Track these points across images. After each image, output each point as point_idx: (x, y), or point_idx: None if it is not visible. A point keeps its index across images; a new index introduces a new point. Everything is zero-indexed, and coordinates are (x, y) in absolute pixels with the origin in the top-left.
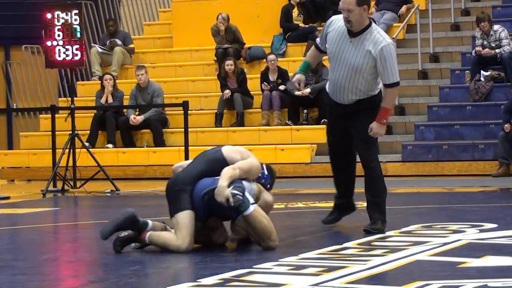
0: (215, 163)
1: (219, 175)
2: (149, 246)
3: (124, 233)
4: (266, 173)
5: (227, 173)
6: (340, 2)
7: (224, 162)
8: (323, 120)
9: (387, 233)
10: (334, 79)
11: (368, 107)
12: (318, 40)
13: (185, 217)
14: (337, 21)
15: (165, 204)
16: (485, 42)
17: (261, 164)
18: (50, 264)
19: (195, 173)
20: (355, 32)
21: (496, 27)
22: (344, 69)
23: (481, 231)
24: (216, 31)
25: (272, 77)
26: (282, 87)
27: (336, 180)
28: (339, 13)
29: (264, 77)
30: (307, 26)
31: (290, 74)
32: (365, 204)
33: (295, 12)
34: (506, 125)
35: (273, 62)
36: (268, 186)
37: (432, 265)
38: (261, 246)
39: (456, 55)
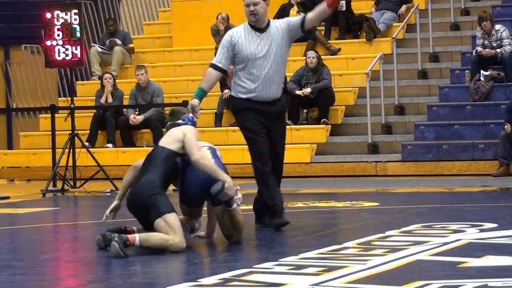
0: (170, 158)
1: (177, 168)
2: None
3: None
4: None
5: (214, 168)
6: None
7: (174, 153)
8: (323, 120)
9: (387, 233)
10: (264, 74)
11: (282, 112)
12: (218, 63)
13: (175, 219)
14: (236, 32)
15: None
16: (486, 42)
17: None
18: (49, 264)
19: (160, 176)
20: (261, 27)
21: (497, 26)
22: (271, 63)
23: (481, 230)
24: (216, 30)
25: None
26: None
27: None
28: (339, 12)
29: None
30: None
31: (288, 74)
32: (365, 204)
33: (293, 10)
34: (506, 126)
35: None
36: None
37: (432, 265)
38: (229, 239)
39: (456, 54)
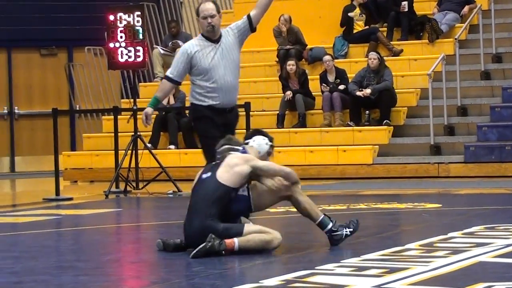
0: (225, 196)
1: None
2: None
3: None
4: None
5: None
6: (201, 11)
7: (231, 190)
8: (385, 121)
9: (449, 234)
10: (224, 83)
11: (236, 123)
12: (172, 75)
13: (251, 225)
14: (191, 46)
15: None
16: None
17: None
18: (112, 265)
19: (214, 217)
20: (216, 39)
21: None
22: (230, 69)
23: None
24: (278, 32)
25: (331, 78)
26: (341, 87)
27: None
28: (401, 13)
29: (323, 78)
30: (368, 27)
31: (350, 75)
32: (427, 205)
33: (356, 12)
34: None
35: (328, 63)
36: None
37: (495, 267)
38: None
39: None
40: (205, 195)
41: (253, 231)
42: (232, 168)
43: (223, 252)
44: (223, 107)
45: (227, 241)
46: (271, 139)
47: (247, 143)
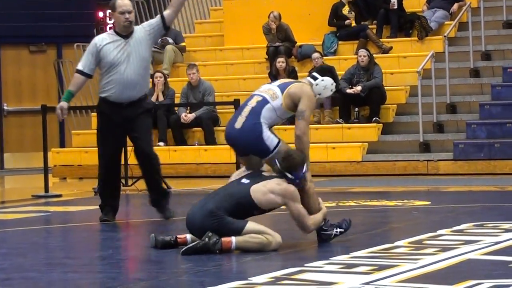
0: (249, 210)
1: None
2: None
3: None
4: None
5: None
6: (119, 6)
7: (256, 207)
8: (374, 119)
9: (439, 232)
10: (124, 78)
11: (145, 109)
12: (82, 67)
13: (254, 224)
14: (101, 39)
15: None
16: None
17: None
18: (101, 262)
19: (225, 212)
20: (126, 34)
21: None
22: (135, 66)
23: None
24: (267, 29)
25: None
26: None
27: (107, 191)
28: (390, 11)
29: None
30: (357, 24)
31: (340, 72)
32: (417, 203)
33: (345, 9)
34: None
35: (317, 60)
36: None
37: (484, 264)
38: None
39: (508, 53)
40: (232, 194)
41: (254, 230)
42: (268, 191)
43: (217, 251)
44: (119, 101)
45: (225, 240)
46: (338, 84)
47: (315, 78)
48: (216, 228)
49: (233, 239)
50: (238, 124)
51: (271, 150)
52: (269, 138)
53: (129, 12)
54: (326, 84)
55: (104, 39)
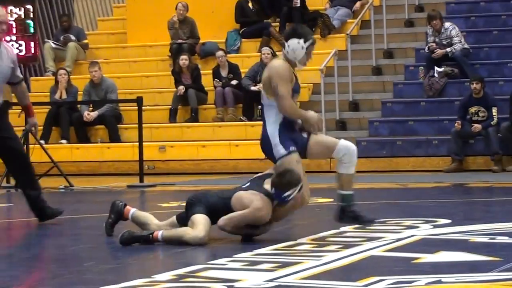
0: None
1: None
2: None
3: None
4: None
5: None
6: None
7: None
8: None
9: (341, 229)
10: None
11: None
12: None
13: (200, 216)
14: None
15: (120, 199)
16: (437, 40)
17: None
18: (3, 261)
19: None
20: None
21: (447, 24)
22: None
23: (435, 226)
24: (171, 23)
25: (224, 73)
26: (234, 82)
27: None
28: (293, 8)
29: (216, 73)
30: (261, 21)
31: (243, 70)
32: (319, 200)
33: (249, 6)
34: (456, 124)
35: (221, 58)
36: (286, 199)
37: (386, 261)
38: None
39: (410, 51)
40: (223, 192)
41: (192, 220)
42: (243, 198)
43: (151, 237)
44: None
45: (155, 231)
46: (307, 37)
47: (284, 47)
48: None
49: (160, 232)
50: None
51: (275, 160)
52: (276, 148)
53: (6, 23)
54: (293, 47)
55: None
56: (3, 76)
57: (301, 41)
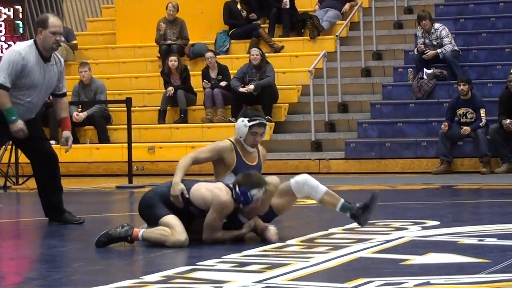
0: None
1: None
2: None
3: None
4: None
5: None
6: (53, 26)
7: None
8: (266, 117)
9: (330, 230)
10: (30, 102)
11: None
12: (5, 83)
13: (173, 218)
14: (28, 54)
15: (109, 200)
16: (427, 41)
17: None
18: None
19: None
20: (48, 56)
21: (436, 25)
22: (44, 92)
23: (424, 228)
24: (159, 27)
25: (213, 74)
26: (223, 83)
27: None
28: (282, 10)
29: (205, 74)
30: (250, 23)
31: (232, 71)
32: (309, 201)
33: (238, 7)
34: (443, 126)
35: (210, 59)
36: (250, 199)
37: (375, 262)
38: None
39: (399, 53)
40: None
41: (168, 223)
42: (203, 187)
43: (129, 237)
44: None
45: (135, 230)
46: (251, 118)
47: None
48: (148, 212)
49: (141, 230)
50: None
51: None
52: None
53: (61, 34)
54: (237, 126)
55: (28, 55)
56: (51, 89)
57: (246, 120)
